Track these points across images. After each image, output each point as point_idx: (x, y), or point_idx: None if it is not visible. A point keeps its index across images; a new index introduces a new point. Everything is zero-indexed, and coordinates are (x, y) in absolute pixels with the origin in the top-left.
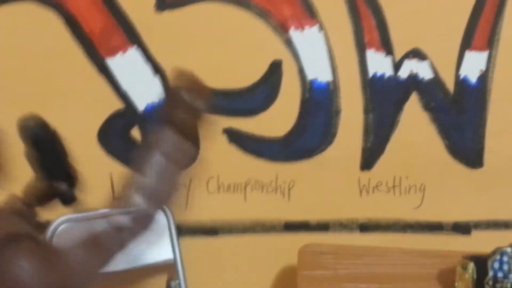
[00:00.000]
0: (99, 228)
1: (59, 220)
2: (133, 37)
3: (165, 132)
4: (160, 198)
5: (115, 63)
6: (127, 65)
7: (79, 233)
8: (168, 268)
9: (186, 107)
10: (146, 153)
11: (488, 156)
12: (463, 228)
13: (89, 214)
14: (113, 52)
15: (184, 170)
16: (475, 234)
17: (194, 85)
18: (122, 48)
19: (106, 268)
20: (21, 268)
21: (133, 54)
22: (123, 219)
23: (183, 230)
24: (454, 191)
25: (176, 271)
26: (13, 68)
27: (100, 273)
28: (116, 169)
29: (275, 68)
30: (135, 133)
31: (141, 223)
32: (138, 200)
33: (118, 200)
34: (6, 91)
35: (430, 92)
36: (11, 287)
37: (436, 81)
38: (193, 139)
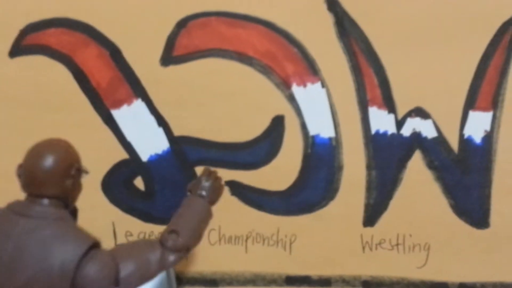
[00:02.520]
0: (153, 257)
1: None
2: (138, 90)
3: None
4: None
5: (120, 114)
6: (132, 117)
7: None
8: None
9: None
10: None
11: (494, 217)
12: None
13: None
14: (118, 104)
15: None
16: None
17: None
18: (127, 100)
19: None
20: (96, 270)
21: (138, 106)
22: (172, 259)
23: (183, 281)
24: (459, 251)
25: None
26: (22, 117)
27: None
28: (119, 217)
29: (277, 123)
30: (138, 182)
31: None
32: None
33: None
34: (15, 140)
35: (434, 150)
36: (86, 284)
37: (440, 140)
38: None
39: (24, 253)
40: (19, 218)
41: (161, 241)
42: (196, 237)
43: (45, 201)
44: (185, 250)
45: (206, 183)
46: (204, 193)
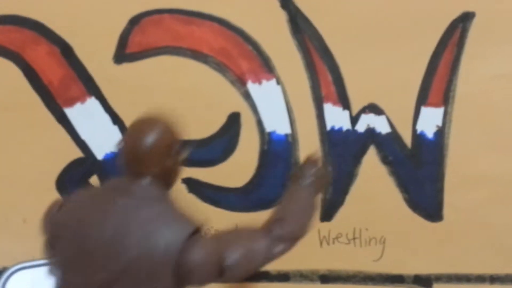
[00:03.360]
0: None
1: (14, 268)
2: (91, 88)
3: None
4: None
5: (74, 113)
6: (86, 115)
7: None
8: None
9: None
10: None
11: (447, 210)
12: (424, 281)
13: (45, 261)
14: (71, 102)
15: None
16: (437, 287)
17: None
18: (81, 98)
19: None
20: (201, 256)
21: (91, 104)
22: (281, 248)
23: None
24: (414, 244)
25: None
26: None
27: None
28: None
29: (233, 120)
30: (94, 181)
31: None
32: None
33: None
34: None
35: (388, 146)
36: (190, 270)
37: (393, 136)
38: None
39: (125, 234)
40: (117, 197)
41: (267, 230)
42: (303, 226)
43: (147, 180)
44: (293, 240)
45: (309, 172)
46: (307, 182)
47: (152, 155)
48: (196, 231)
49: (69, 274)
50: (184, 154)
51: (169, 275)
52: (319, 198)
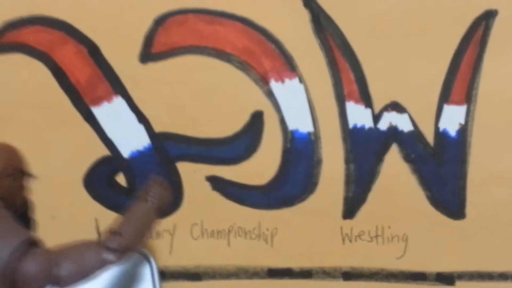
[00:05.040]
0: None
1: None
2: (118, 87)
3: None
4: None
5: (100, 112)
6: (112, 114)
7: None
8: None
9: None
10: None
11: (470, 207)
12: (446, 279)
13: None
14: (98, 101)
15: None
16: (459, 284)
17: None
18: (107, 97)
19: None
20: (31, 266)
21: (118, 103)
22: (111, 258)
23: (166, 275)
24: (437, 242)
25: None
26: (2, 116)
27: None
28: (101, 214)
29: (256, 119)
30: (120, 179)
31: (123, 259)
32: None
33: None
34: None
35: (410, 144)
36: (23, 280)
37: (416, 134)
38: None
39: None
40: None
41: (103, 241)
42: (135, 241)
43: None
44: (123, 252)
45: (154, 190)
46: (150, 199)
47: None
48: (29, 244)
49: None
50: (26, 180)
51: (4, 285)
52: (157, 217)
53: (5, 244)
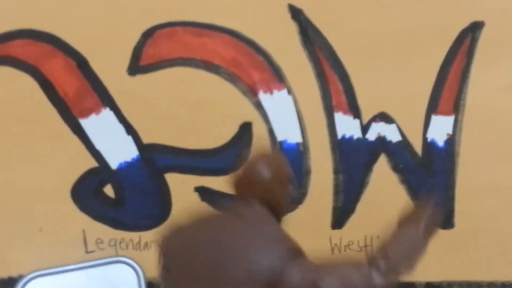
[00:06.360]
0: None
1: (30, 276)
2: (106, 100)
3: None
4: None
5: (88, 124)
6: (100, 126)
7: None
8: None
9: None
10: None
11: (458, 217)
12: None
13: (61, 269)
14: (86, 113)
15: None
16: None
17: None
18: (96, 109)
19: None
20: (297, 275)
21: (106, 115)
22: (379, 281)
23: (154, 287)
24: (426, 251)
25: None
26: None
27: None
28: (89, 225)
29: (245, 130)
30: (108, 190)
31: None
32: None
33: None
34: None
35: (399, 154)
36: None
37: (404, 144)
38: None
39: (228, 257)
40: (228, 221)
41: (370, 260)
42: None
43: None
44: (396, 273)
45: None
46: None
47: (268, 183)
48: (295, 252)
49: None
50: (290, 189)
51: None
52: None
53: (273, 251)
